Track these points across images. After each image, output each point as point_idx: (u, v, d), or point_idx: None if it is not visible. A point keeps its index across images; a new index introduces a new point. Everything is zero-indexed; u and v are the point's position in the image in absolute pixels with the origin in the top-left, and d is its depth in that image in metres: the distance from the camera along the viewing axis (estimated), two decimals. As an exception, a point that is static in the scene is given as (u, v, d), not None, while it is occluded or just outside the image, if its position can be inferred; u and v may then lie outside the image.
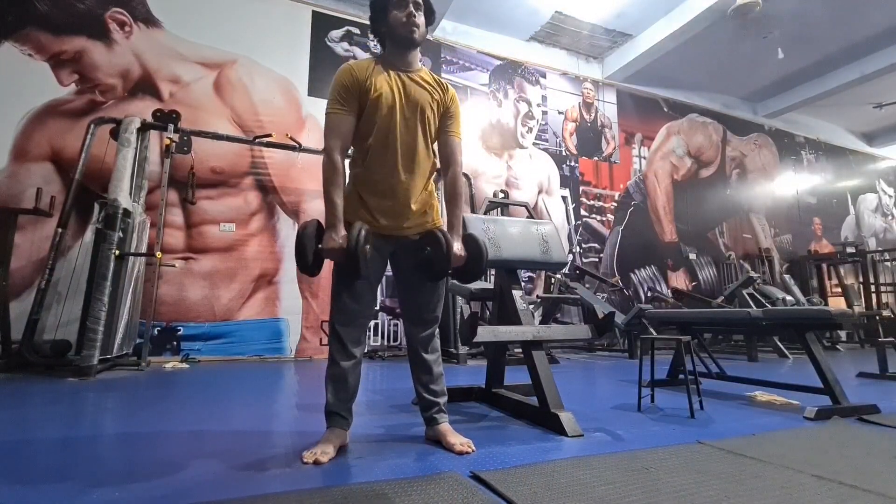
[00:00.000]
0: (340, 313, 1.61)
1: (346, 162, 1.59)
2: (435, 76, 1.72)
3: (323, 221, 1.55)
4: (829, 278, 8.00)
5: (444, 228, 1.65)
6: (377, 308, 4.86)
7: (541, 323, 5.04)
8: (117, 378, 3.18)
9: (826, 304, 7.20)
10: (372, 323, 4.81)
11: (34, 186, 3.79)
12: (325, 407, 1.60)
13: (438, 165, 1.72)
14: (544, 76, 6.66)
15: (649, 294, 6.67)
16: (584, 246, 6.46)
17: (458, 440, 1.58)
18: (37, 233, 3.87)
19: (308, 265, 1.48)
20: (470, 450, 1.54)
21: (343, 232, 1.50)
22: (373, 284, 1.65)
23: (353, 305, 1.60)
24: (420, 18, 1.60)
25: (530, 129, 6.42)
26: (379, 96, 1.56)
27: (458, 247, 1.61)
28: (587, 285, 5.60)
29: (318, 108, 5.12)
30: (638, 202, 7.04)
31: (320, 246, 1.49)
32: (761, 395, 2.64)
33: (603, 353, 5.56)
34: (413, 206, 1.62)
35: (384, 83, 1.58)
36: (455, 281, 1.79)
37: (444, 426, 1.66)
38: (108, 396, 2.57)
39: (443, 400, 1.71)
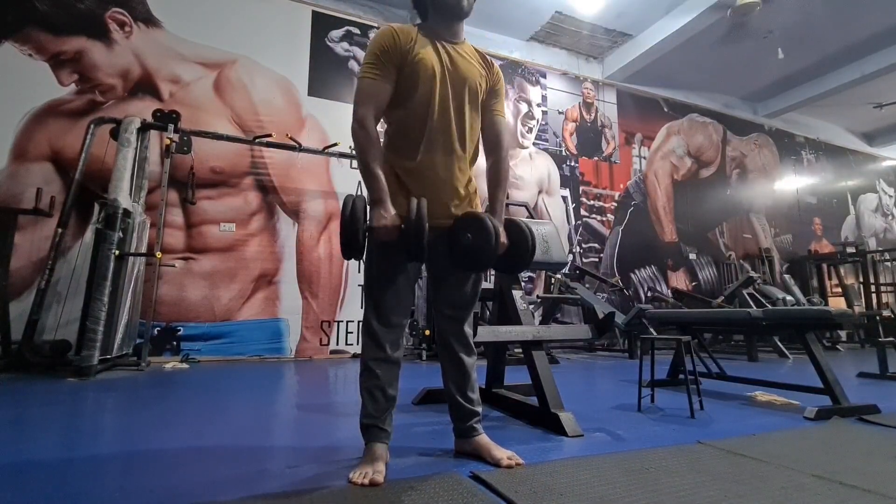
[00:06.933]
0: (378, 311, 1.40)
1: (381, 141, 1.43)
2: (480, 51, 1.56)
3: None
4: (830, 278, 8.00)
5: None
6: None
7: (541, 323, 5.04)
8: (117, 378, 3.18)
9: (826, 304, 7.20)
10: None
11: (34, 186, 3.80)
12: (361, 419, 1.40)
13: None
14: (544, 76, 6.66)
15: (649, 294, 6.67)
16: (584, 246, 6.46)
17: (503, 454, 1.41)
18: (37, 233, 3.87)
19: (359, 247, 1.31)
20: (519, 464, 1.39)
21: (392, 209, 1.33)
22: (411, 280, 1.45)
23: (392, 301, 1.40)
24: None
25: (530, 129, 6.42)
26: (422, 67, 1.39)
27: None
28: (587, 285, 5.60)
29: (318, 108, 5.13)
30: (638, 202, 7.04)
31: (368, 225, 1.32)
32: (761, 395, 2.64)
33: (603, 353, 5.56)
34: (461, 193, 1.46)
35: (429, 53, 1.41)
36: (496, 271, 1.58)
37: (484, 438, 1.48)
38: (107, 397, 2.57)
39: (480, 409, 1.53)
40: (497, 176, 1.54)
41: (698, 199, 7.57)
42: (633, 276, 6.70)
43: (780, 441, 1.73)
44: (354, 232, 1.29)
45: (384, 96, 1.40)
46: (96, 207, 3.86)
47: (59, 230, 3.75)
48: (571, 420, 1.81)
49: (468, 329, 1.53)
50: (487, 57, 1.56)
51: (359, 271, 5.00)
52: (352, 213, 1.29)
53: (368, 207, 1.36)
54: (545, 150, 6.48)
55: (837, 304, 7.64)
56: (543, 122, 6.54)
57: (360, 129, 1.36)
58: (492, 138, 1.56)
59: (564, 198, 6.48)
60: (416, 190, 1.40)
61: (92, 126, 4.01)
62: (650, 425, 1.98)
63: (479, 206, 1.55)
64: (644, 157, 7.25)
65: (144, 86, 4.48)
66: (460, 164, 1.46)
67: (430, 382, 2.44)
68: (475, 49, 1.55)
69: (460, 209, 1.46)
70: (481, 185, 1.48)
